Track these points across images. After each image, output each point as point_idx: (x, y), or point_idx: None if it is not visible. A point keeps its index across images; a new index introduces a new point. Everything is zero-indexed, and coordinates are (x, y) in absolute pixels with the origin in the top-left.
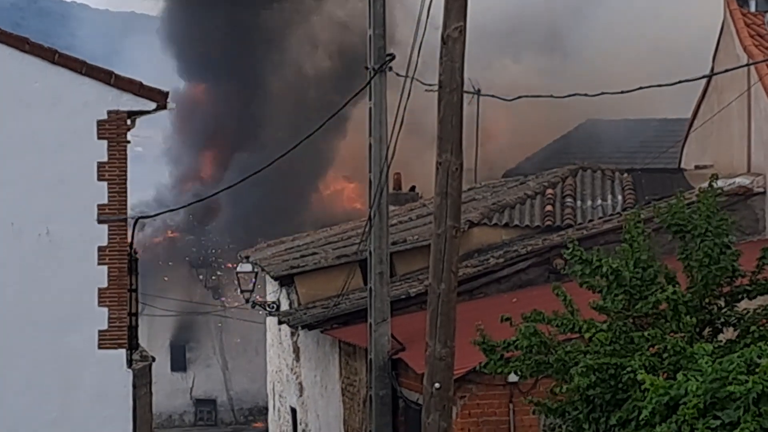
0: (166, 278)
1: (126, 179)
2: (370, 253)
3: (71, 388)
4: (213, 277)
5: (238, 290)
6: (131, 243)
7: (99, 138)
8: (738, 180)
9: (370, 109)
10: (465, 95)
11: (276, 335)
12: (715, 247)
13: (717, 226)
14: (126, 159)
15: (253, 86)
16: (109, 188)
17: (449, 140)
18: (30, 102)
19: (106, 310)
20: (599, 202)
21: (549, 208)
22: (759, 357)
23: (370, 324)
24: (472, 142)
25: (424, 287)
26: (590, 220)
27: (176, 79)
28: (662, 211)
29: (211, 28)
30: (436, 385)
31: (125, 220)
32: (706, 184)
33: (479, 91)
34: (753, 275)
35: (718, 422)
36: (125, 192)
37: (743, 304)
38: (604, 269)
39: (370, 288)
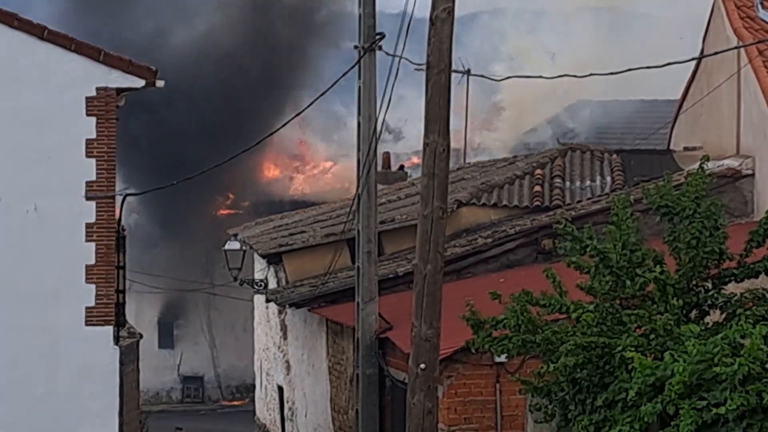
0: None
1: (114, 156)
2: (358, 231)
3: (58, 365)
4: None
5: (226, 268)
6: (119, 220)
7: (88, 115)
8: (727, 162)
9: (359, 87)
10: (455, 75)
11: (264, 313)
12: (704, 230)
13: (706, 209)
14: (115, 136)
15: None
16: (97, 165)
17: (436, 121)
18: (18, 78)
19: (93, 286)
20: (588, 182)
21: (538, 188)
22: (742, 337)
23: (358, 303)
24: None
25: (412, 266)
26: (579, 201)
27: None
28: (651, 193)
29: None
30: (422, 365)
31: (113, 197)
32: (695, 166)
33: (469, 71)
34: (741, 258)
35: (704, 403)
36: (113, 169)
37: (731, 287)
38: (590, 249)
39: (358, 267)
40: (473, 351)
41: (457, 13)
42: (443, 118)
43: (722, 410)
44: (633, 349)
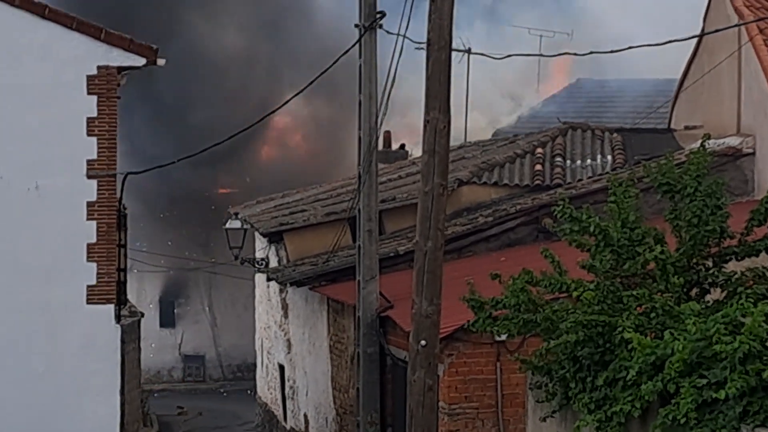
0: (169, 243)
1: (116, 134)
2: (359, 210)
3: (59, 343)
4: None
5: (228, 246)
6: (120, 198)
7: (89, 93)
8: (728, 140)
9: (360, 66)
10: (455, 54)
11: (265, 292)
12: (705, 208)
13: (708, 187)
14: (116, 114)
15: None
16: (98, 143)
17: (437, 98)
18: (20, 56)
19: (94, 265)
20: (589, 161)
21: (538, 167)
22: (743, 315)
23: (359, 281)
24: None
25: (413, 245)
26: (579, 180)
27: None
28: (652, 171)
29: None
30: (422, 342)
31: (114, 175)
32: (697, 144)
33: (469, 49)
34: (741, 236)
35: (704, 381)
36: (114, 147)
37: (731, 266)
38: (592, 228)
39: (359, 245)
40: (474, 331)
41: None
42: (444, 94)
43: (721, 394)
44: (633, 328)
